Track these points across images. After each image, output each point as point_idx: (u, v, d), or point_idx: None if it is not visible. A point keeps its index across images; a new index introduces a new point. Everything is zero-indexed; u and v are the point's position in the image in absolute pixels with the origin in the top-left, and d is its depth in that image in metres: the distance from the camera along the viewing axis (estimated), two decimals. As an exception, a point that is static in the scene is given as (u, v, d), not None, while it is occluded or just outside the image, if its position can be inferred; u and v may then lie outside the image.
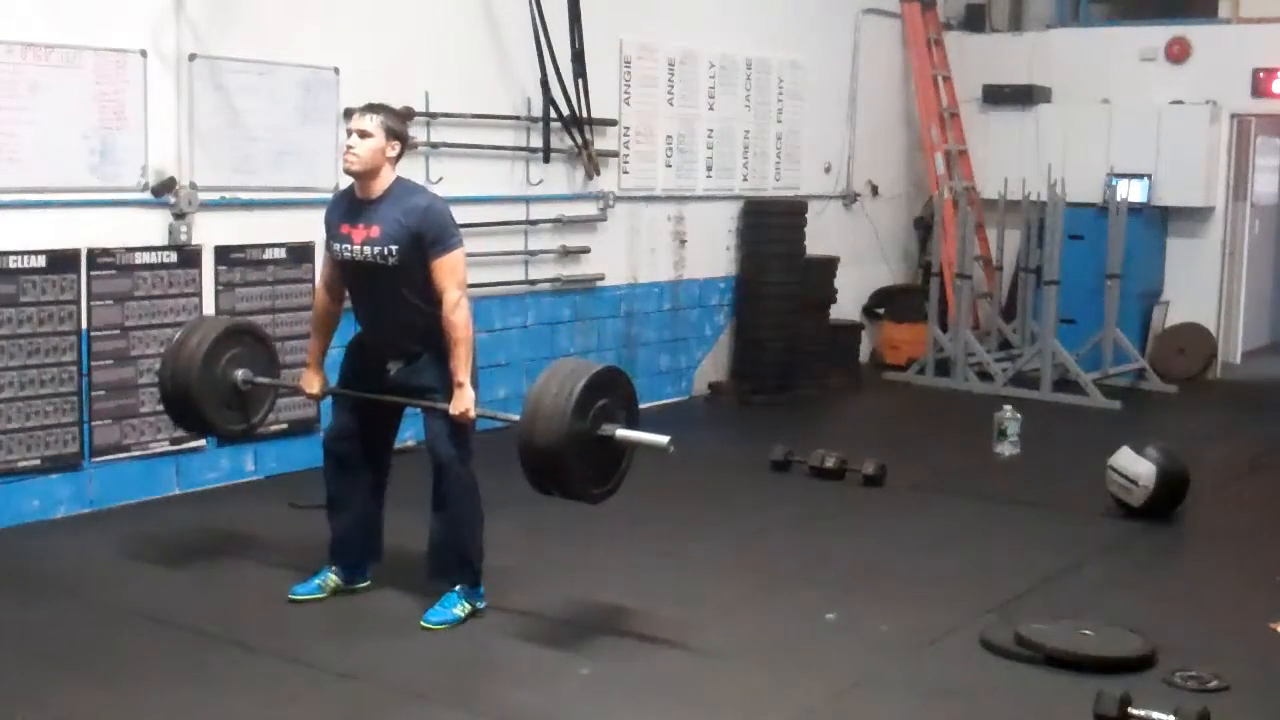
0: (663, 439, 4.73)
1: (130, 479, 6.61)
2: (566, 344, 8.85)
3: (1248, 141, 11.75)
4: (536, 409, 4.66)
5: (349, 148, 5.01)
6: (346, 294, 5.24)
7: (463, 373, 4.95)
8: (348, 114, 7.21)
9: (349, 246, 5.02)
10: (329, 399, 5.40)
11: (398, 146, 5.07)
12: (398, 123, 5.09)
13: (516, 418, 4.77)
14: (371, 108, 5.07)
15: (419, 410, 5.25)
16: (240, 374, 5.45)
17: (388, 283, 4.99)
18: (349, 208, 5.09)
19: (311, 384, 5.34)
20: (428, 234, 4.95)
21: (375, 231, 4.97)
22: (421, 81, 7.72)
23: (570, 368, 4.83)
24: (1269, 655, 5.06)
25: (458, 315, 4.95)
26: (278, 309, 7.15)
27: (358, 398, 5.21)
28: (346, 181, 7.25)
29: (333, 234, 5.11)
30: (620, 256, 9.23)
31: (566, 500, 4.91)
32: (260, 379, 5.53)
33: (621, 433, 4.75)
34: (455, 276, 4.98)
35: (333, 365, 5.39)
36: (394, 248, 4.94)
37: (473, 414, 4.99)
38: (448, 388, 5.01)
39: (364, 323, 5.19)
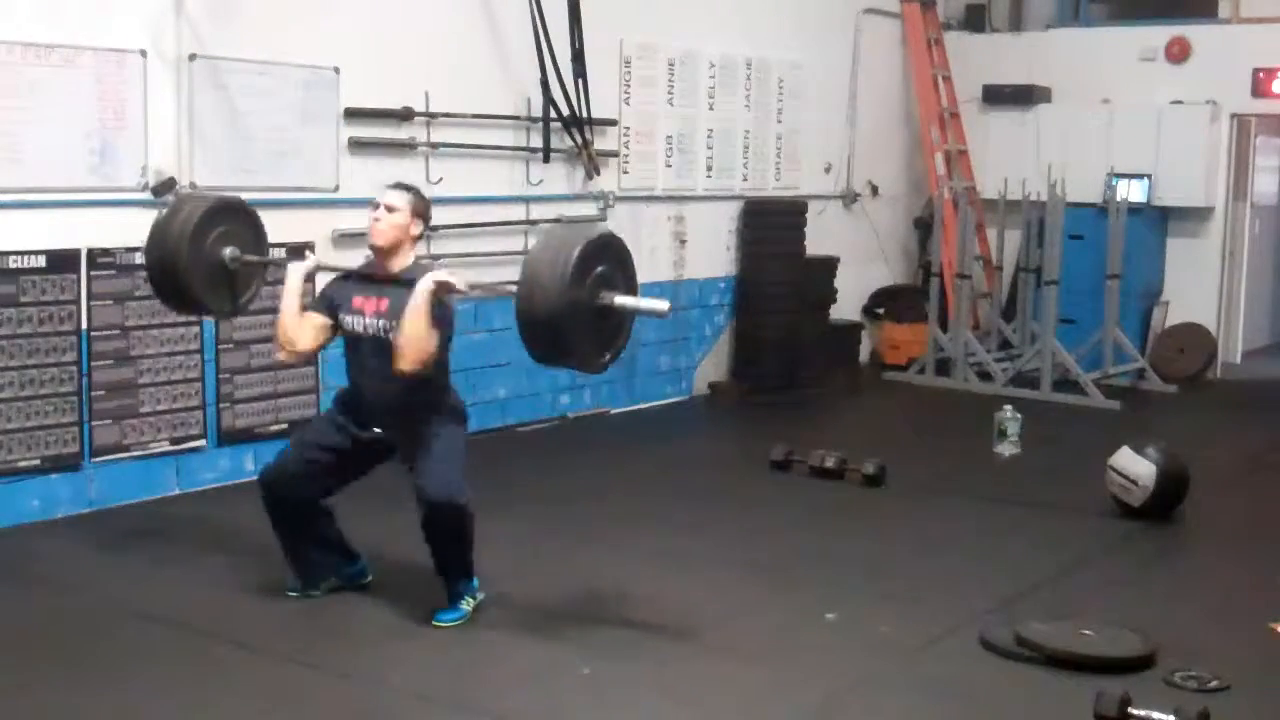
0: (662, 304, 4.76)
1: (130, 479, 6.61)
2: (566, 344, 8.84)
3: (1248, 141, 11.74)
4: (534, 279, 4.61)
5: (375, 220, 5.08)
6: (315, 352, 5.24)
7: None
8: (349, 113, 7.33)
9: (361, 319, 5.06)
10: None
11: (420, 226, 5.15)
12: (423, 203, 5.17)
13: (513, 288, 4.74)
14: (401, 186, 5.17)
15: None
16: (228, 251, 5.40)
17: (390, 358, 4.97)
18: (363, 281, 5.14)
19: (297, 268, 5.24)
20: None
21: (385, 305, 5.01)
22: (421, 81, 7.72)
23: (564, 235, 4.80)
24: (1269, 655, 5.07)
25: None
26: (277, 309, 7.10)
27: (323, 457, 5.16)
28: (346, 182, 7.37)
29: (344, 308, 5.11)
30: (620, 256, 9.21)
31: (570, 369, 4.83)
32: (249, 256, 5.48)
33: (620, 299, 4.72)
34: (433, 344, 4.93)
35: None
36: (399, 322, 4.93)
37: (451, 279, 4.93)
38: (439, 432, 5.01)
39: (365, 391, 5.15)
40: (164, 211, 5.53)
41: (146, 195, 6.54)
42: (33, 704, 4.34)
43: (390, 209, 5.07)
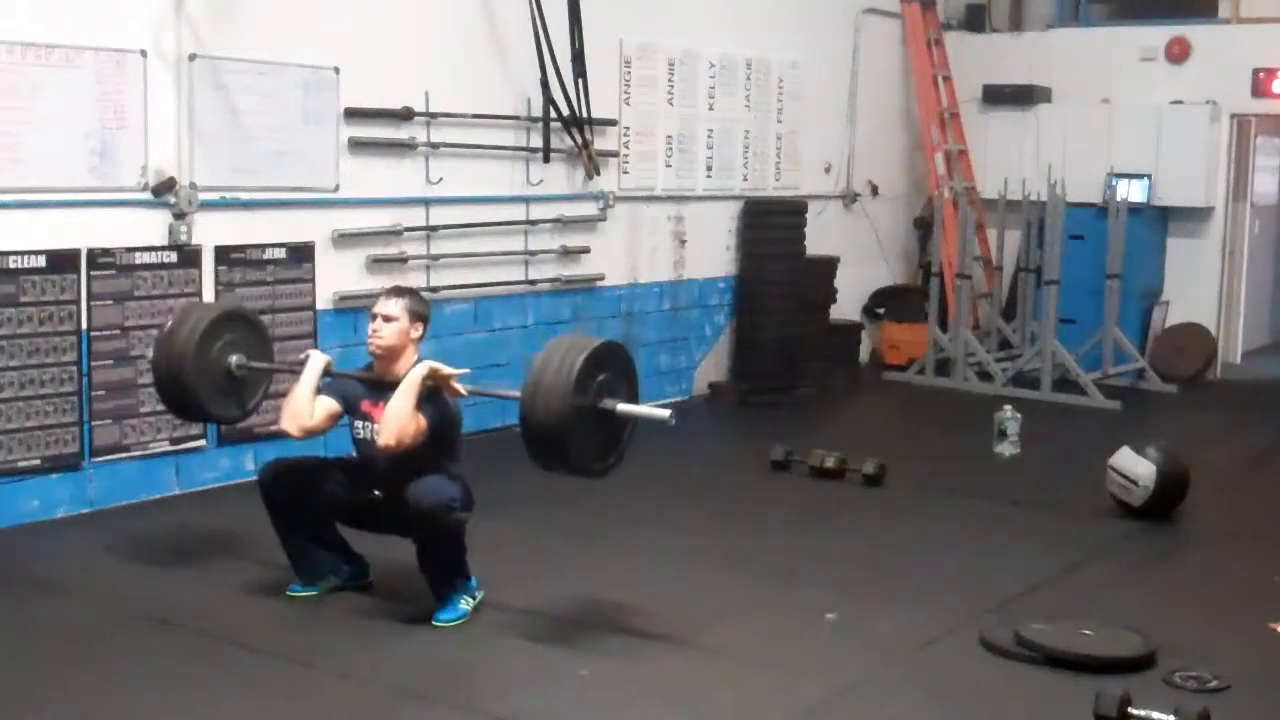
0: (664, 413, 4.80)
1: (130, 479, 6.61)
2: (566, 344, 8.84)
3: (1248, 141, 11.74)
4: (538, 384, 4.67)
5: (374, 331, 5.15)
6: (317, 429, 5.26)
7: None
8: (349, 113, 7.32)
9: (369, 425, 5.12)
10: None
11: (420, 328, 5.21)
12: (421, 305, 5.24)
13: (517, 394, 4.78)
14: (397, 291, 5.24)
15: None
16: (234, 359, 5.48)
17: (399, 459, 5.01)
18: (371, 387, 5.19)
19: (318, 358, 5.31)
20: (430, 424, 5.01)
21: None
22: (421, 81, 7.72)
23: (569, 343, 4.84)
24: (1269, 655, 5.07)
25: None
26: (278, 309, 7.15)
27: (325, 483, 5.25)
28: (346, 182, 7.37)
29: (356, 412, 5.20)
30: (620, 256, 9.23)
31: (570, 476, 4.89)
32: (255, 364, 5.54)
33: (623, 407, 4.78)
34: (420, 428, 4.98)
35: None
36: None
37: (443, 369, 5.01)
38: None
39: (376, 480, 5.21)
40: (166, 325, 5.59)
41: (146, 195, 6.55)
42: (33, 704, 4.34)
43: (388, 319, 5.14)
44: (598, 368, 4.73)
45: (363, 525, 5.32)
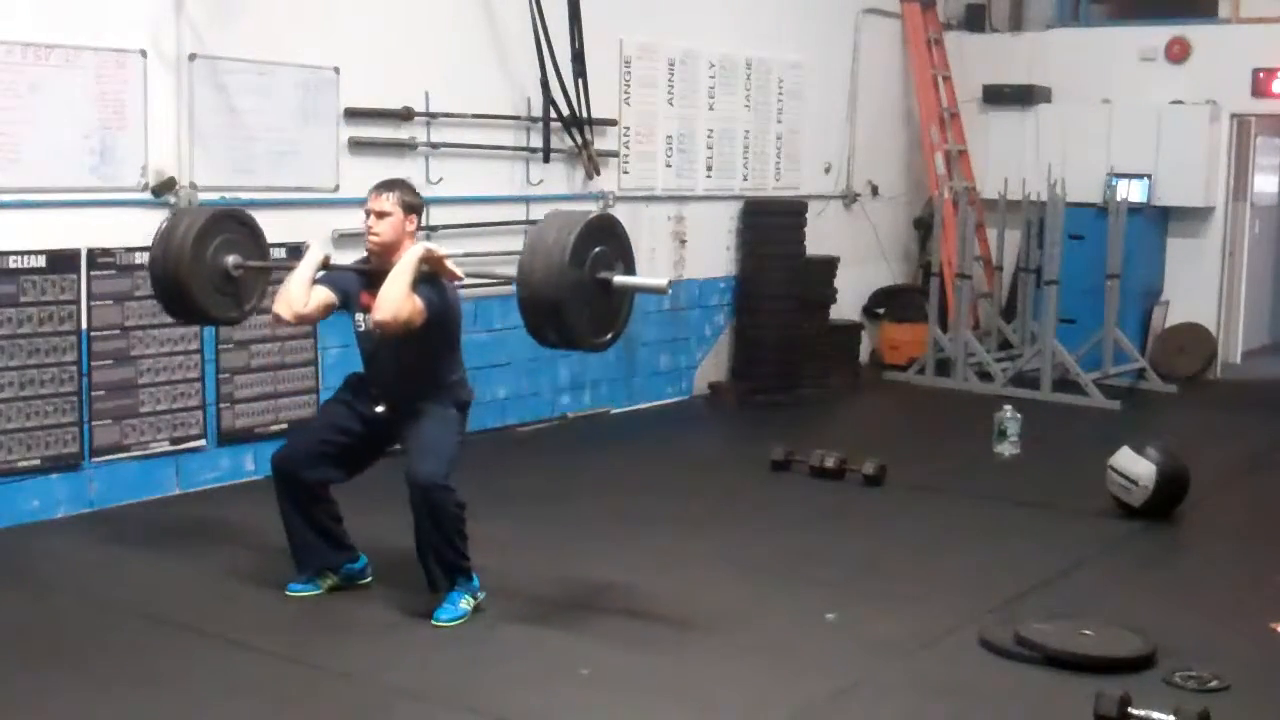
0: (661, 281, 4.84)
1: (130, 479, 6.61)
2: (566, 344, 8.84)
3: (1248, 141, 11.75)
4: (533, 258, 4.66)
5: (370, 228, 5.14)
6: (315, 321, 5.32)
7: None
8: (349, 113, 7.33)
9: (369, 316, 5.10)
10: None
11: (415, 220, 5.19)
12: (414, 197, 5.21)
13: (512, 272, 4.79)
14: (387, 185, 5.20)
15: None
16: (231, 259, 5.46)
17: (398, 351, 5.05)
18: (370, 280, 5.16)
19: (318, 249, 5.31)
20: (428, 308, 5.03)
21: None
22: (421, 81, 7.72)
23: (564, 218, 4.84)
24: (1269, 655, 5.07)
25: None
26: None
27: (335, 427, 5.24)
28: (346, 182, 7.36)
29: (353, 304, 5.19)
30: (620, 256, 9.21)
31: (569, 350, 4.91)
32: (251, 262, 5.53)
33: (619, 278, 4.78)
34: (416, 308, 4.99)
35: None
36: None
37: (438, 252, 5.02)
38: (436, 412, 5.08)
39: (372, 379, 5.24)
40: (163, 226, 5.56)
41: (146, 195, 6.55)
42: (33, 704, 4.34)
43: (380, 215, 5.12)
44: (594, 240, 4.71)
45: (373, 453, 5.26)
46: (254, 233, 5.65)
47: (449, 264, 5.09)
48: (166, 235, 5.44)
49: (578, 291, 4.66)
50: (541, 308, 4.68)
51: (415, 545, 5.12)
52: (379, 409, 5.18)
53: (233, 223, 5.58)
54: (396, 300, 4.89)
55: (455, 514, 5.04)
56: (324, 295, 5.16)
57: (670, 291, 4.74)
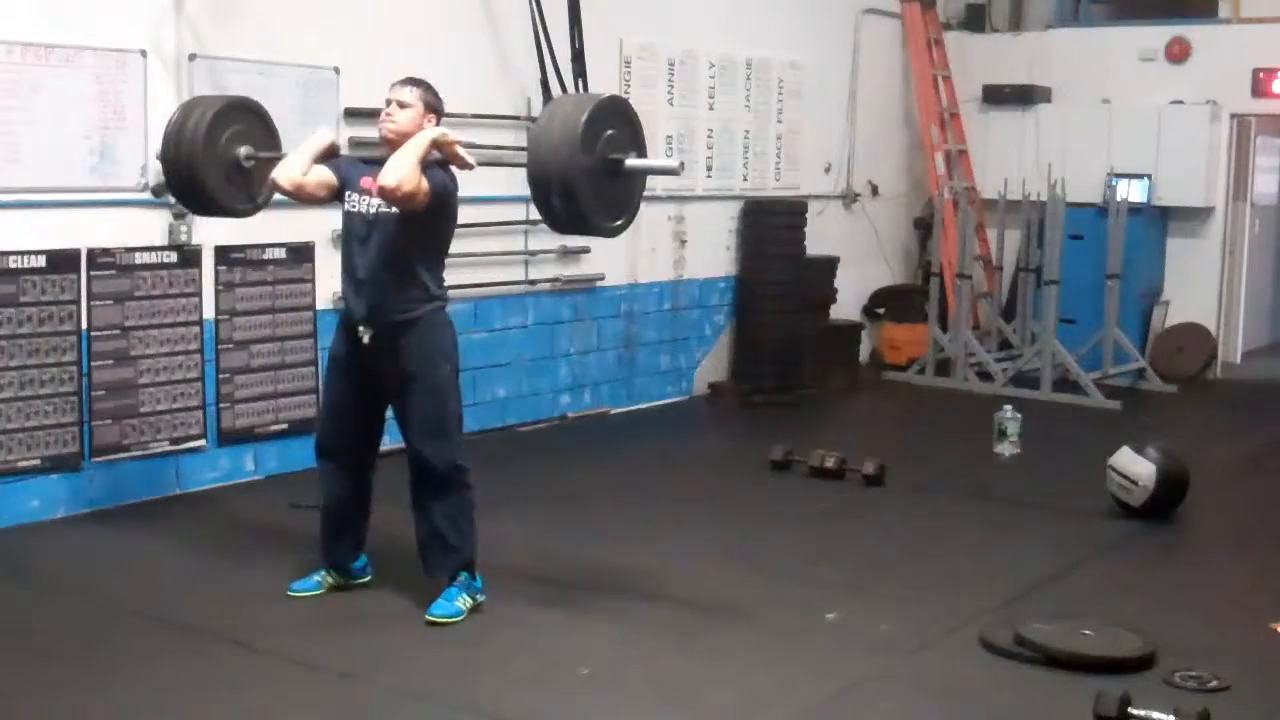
0: (673, 163, 4.82)
1: (130, 479, 6.61)
2: (566, 344, 8.85)
3: (1248, 141, 11.74)
4: (543, 139, 4.64)
5: (387, 114, 5.07)
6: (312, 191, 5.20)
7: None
8: (349, 113, 7.32)
9: (366, 200, 5.05)
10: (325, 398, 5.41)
11: (434, 120, 5.11)
12: (436, 100, 5.15)
13: (522, 161, 4.76)
14: (412, 81, 5.13)
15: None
16: (243, 150, 5.45)
17: (389, 238, 5.00)
18: (373, 165, 5.09)
19: (326, 132, 5.27)
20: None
21: None
22: (421, 81, 7.71)
23: (574, 101, 4.83)
24: (1269, 655, 5.06)
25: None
26: (278, 309, 7.15)
27: (343, 389, 5.22)
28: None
29: (351, 186, 5.13)
30: (620, 256, 9.22)
31: (584, 235, 4.90)
32: (263, 153, 5.50)
33: (630, 160, 4.76)
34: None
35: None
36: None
37: (450, 135, 4.96)
38: (426, 374, 5.03)
39: (352, 279, 5.13)
40: (175, 116, 5.51)
41: (146, 195, 6.55)
42: (33, 704, 4.34)
43: (402, 105, 5.05)
44: (603, 123, 4.68)
45: (378, 397, 5.20)
46: (266, 124, 5.62)
47: (461, 150, 4.99)
48: (179, 126, 5.39)
49: (590, 173, 4.62)
50: (553, 185, 4.62)
51: (416, 528, 5.13)
52: (363, 336, 5.06)
53: (243, 113, 5.56)
54: (403, 171, 4.80)
55: (469, 499, 5.04)
56: (323, 173, 5.15)
57: (682, 172, 4.73)
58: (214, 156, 5.38)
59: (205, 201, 5.57)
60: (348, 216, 5.17)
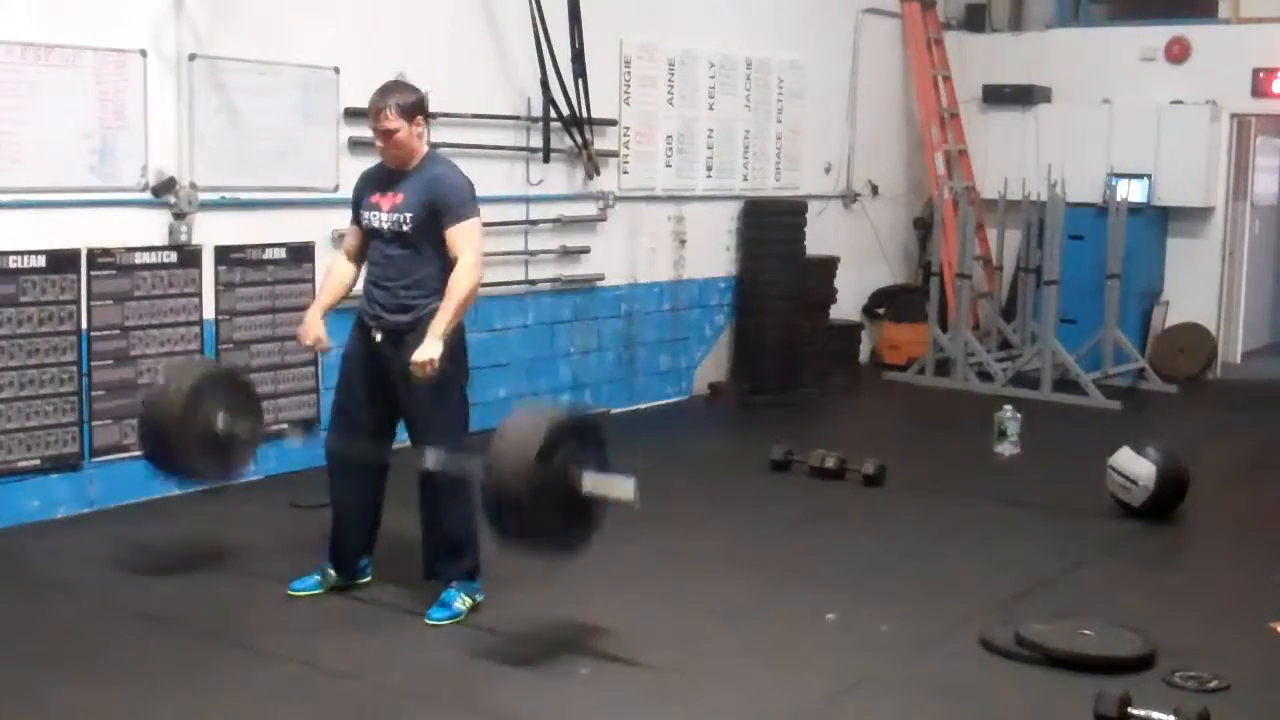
0: (628, 488, 4.67)
1: (130, 479, 6.60)
2: (566, 344, 8.86)
3: (1248, 141, 11.75)
4: (500, 457, 4.58)
5: (382, 148, 5.16)
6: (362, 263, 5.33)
7: (442, 325, 4.98)
8: (349, 113, 7.32)
9: (377, 214, 5.15)
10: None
11: (421, 120, 5.17)
12: (409, 95, 5.18)
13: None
14: (381, 97, 5.13)
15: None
16: (220, 422, 5.31)
17: (404, 249, 5.10)
18: (383, 178, 5.21)
19: (308, 333, 5.31)
20: (439, 205, 5.07)
21: (399, 199, 5.12)
22: (421, 81, 7.63)
23: (532, 412, 4.86)
24: (1269, 655, 5.07)
25: (463, 274, 5.04)
26: (278, 309, 7.15)
27: (355, 390, 5.25)
28: (346, 182, 7.29)
29: (363, 204, 5.24)
30: (620, 256, 9.22)
31: (537, 557, 4.85)
32: (240, 429, 5.36)
33: (589, 483, 4.69)
34: (471, 244, 5.10)
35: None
36: (409, 215, 5.08)
37: (435, 363, 4.97)
38: (436, 394, 5.05)
39: (370, 287, 5.23)
40: (154, 386, 5.61)
41: (146, 195, 6.55)
42: (33, 704, 4.34)
43: (389, 132, 5.10)
44: (563, 439, 4.64)
45: (389, 397, 5.21)
46: (245, 391, 5.59)
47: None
48: (156, 398, 5.35)
49: (543, 492, 4.54)
50: (505, 505, 4.56)
51: (422, 532, 5.13)
52: (376, 335, 5.14)
53: (223, 383, 5.50)
54: (435, 352, 4.96)
55: (474, 505, 5.04)
56: (355, 236, 5.31)
57: (638, 507, 4.69)
58: (190, 428, 5.25)
59: (179, 470, 5.49)
60: (367, 231, 5.28)
